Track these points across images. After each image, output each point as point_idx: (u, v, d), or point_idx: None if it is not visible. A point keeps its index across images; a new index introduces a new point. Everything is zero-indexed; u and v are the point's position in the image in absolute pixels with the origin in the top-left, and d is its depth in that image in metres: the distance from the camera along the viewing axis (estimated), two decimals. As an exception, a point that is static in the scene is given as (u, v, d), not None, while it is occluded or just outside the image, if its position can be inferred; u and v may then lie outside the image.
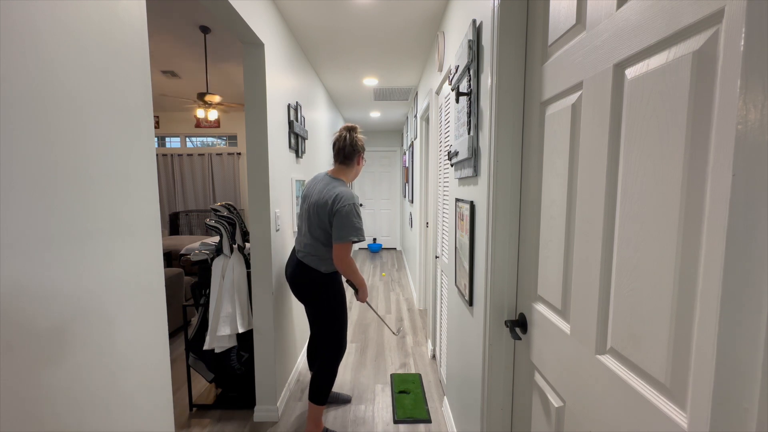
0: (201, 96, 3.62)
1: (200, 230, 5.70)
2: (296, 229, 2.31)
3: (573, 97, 0.79)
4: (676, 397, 0.52)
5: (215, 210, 2.01)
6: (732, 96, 0.43)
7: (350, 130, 1.84)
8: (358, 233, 1.70)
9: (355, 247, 7.29)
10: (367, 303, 2.09)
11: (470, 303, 1.42)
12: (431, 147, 2.65)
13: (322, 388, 1.83)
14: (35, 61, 0.61)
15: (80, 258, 0.70)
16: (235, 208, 2.07)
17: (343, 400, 2.22)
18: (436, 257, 2.52)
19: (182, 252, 4.12)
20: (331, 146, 1.86)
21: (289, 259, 1.94)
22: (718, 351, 0.44)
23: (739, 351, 0.42)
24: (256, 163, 1.92)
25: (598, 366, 0.70)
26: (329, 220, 1.71)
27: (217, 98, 3.69)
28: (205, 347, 1.97)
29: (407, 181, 5.16)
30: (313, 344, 2.10)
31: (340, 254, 1.71)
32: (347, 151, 1.83)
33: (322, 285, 1.79)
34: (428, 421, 2.04)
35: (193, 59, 3.48)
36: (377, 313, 2.21)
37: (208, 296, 2.07)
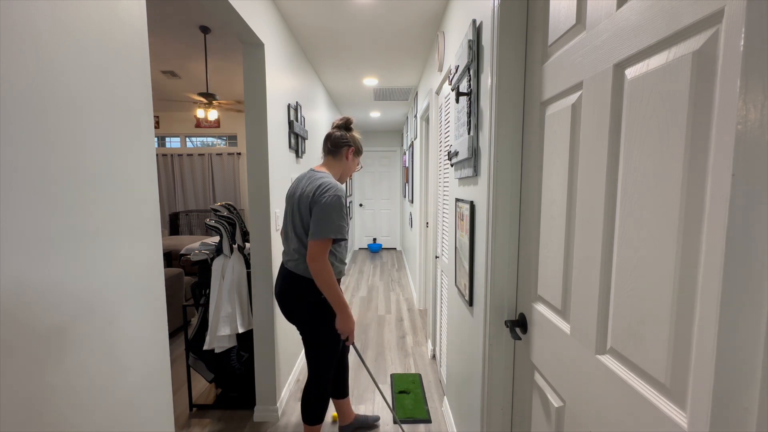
0: (202, 96, 3.61)
1: (200, 230, 5.69)
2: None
3: (573, 97, 0.79)
4: (676, 397, 0.52)
5: (215, 210, 2.01)
6: (732, 96, 0.43)
7: (344, 120, 1.67)
8: (337, 230, 1.43)
9: (355, 247, 7.29)
10: (354, 347, 1.69)
11: (470, 303, 1.42)
12: (431, 147, 2.65)
13: (315, 408, 1.62)
14: (35, 61, 0.61)
15: (80, 258, 0.70)
16: (235, 208, 2.07)
17: (372, 422, 2.00)
18: (436, 257, 2.52)
19: (182, 252, 4.12)
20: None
21: (278, 275, 1.65)
22: (718, 351, 0.44)
23: (739, 351, 0.42)
24: (256, 163, 1.92)
25: (598, 366, 0.70)
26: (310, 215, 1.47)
27: (218, 98, 3.69)
28: (205, 347, 1.97)
29: (407, 181, 5.16)
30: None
31: (314, 253, 1.41)
32: (333, 137, 1.61)
33: (317, 296, 1.50)
34: (428, 421, 2.04)
35: (193, 59, 3.47)
36: (364, 363, 1.78)
37: (208, 296, 2.06)
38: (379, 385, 1.83)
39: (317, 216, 1.44)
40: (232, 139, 6.09)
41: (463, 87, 1.47)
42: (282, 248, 1.69)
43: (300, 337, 2.60)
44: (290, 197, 1.60)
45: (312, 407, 1.63)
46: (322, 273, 1.43)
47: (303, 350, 2.70)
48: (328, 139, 1.64)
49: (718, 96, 0.45)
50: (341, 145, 1.63)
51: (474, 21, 1.33)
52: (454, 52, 1.78)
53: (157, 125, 5.86)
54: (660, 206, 0.55)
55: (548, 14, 0.92)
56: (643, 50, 0.58)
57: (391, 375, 2.51)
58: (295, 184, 1.63)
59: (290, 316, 1.59)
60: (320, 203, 1.44)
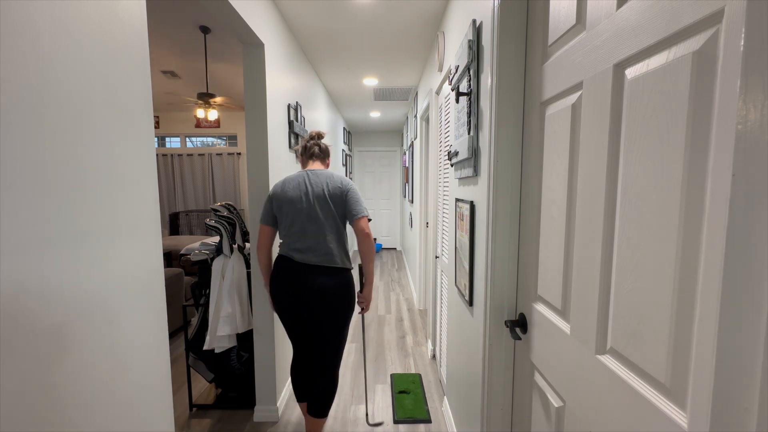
0: (202, 96, 3.61)
1: (200, 230, 5.69)
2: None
3: (573, 97, 0.79)
4: (676, 397, 0.52)
5: (215, 210, 2.01)
6: (732, 96, 0.43)
7: (317, 133, 1.84)
8: (366, 210, 1.68)
9: (355, 247, 7.29)
10: (362, 318, 2.06)
11: (470, 303, 1.42)
12: (431, 147, 2.65)
13: (328, 402, 1.75)
14: (35, 61, 0.61)
15: (81, 258, 0.70)
16: (235, 208, 2.07)
17: None
18: (436, 257, 2.52)
19: (182, 252, 4.12)
20: (305, 151, 1.77)
21: (287, 275, 1.63)
22: (718, 351, 0.44)
23: (739, 351, 0.42)
24: (256, 163, 1.92)
25: (598, 366, 0.70)
26: (344, 207, 1.66)
27: (219, 99, 3.69)
28: (205, 347, 1.97)
29: (407, 181, 5.16)
30: (304, 368, 1.79)
31: (365, 228, 1.61)
32: (323, 146, 1.81)
33: (350, 286, 1.69)
34: (428, 421, 2.04)
35: (193, 59, 3.47)
36: (364, 354, 2.10)
37: (208, 296, 2.06)
38: (368, 386, 2.01)
39: (354, 199, 1.66)
40: (232, 139, 6.09)
41: (463, 87, 1.47)
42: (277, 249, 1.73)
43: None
44: (303, 195, 1.63)
45: (329, 400, 1.75)
46: (372, 245, 1.65)
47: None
48: (317, 146, 1.80)
49: (718, 96, 0.45)
50: (328, 153, 1.85)
51: (474, 21, 1.33)
52: (454, 52, 1.78)
53: (157, 125, 5.86)
54: (660, 206, 0.55)
55: (548, 14, 0.92)
56: (643, 50, 0.58)
57: (391, 375, 2.51)
58: (300, 183, 1.66)
59: (327, 310, 1.62)
60: (351, 189, 1.67)
